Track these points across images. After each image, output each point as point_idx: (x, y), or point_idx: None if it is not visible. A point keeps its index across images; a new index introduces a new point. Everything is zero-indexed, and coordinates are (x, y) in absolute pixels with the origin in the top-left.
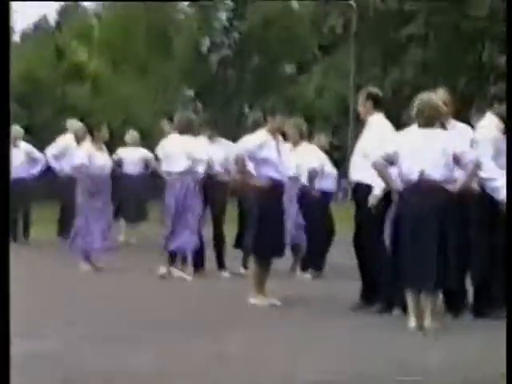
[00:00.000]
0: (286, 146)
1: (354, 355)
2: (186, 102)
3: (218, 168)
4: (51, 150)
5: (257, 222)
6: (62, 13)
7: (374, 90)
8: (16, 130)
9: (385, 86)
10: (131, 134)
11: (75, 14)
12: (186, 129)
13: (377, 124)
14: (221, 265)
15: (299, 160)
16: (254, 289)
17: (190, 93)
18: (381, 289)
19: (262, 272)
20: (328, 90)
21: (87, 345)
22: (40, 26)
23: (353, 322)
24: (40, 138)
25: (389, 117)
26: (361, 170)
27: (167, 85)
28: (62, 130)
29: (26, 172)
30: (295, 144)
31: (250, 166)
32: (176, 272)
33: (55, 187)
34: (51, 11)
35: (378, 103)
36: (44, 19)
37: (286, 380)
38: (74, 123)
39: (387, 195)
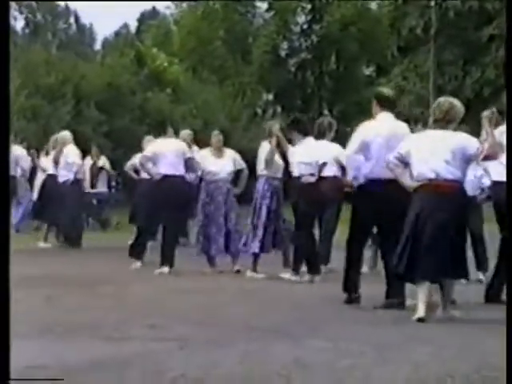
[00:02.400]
0: None
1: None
2: (264, 106)
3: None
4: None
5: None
6: (141, 20)
7: (382, 90)
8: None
9: (465, 87)
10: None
11: (155, 21)
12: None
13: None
14: None
15: None
16: None
17: (269, 97)
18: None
19: None
20: (408, 92)
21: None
22: (121, 34)
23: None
24: (119, 143)
25: (470, 117)
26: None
27: (246, 89)
28: (142, 135)
29: None
30: None
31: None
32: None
33: None
34: (132, 19)
35: (382, 102)
36: (125, 27)
37: None
38: (186, 132)
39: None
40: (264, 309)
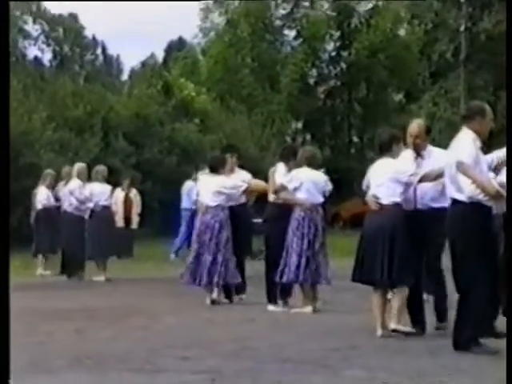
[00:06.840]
0: None
1: None
2: (293, 134)
3: None
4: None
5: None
6: (168, 50)
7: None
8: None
9: (497, 112)
10: None
11: (182, 51)
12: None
13: None
14: None
15: None
16: (396, 316)
17: (298, 125)
18: None
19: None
20: (438, 118)
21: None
22: (148, 64)
23: None
24: (148, 174)
25: (502, 141)
26: None
27: (275, 117)
28: (171, 166)
29: None
30: None
31: None
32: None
33: None
34: (159, 49)
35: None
36: (152, 57)
37: None
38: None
39: None
40: (297, 339)
